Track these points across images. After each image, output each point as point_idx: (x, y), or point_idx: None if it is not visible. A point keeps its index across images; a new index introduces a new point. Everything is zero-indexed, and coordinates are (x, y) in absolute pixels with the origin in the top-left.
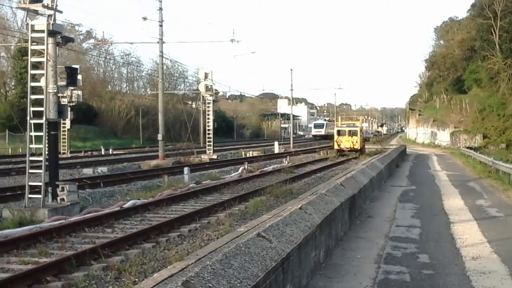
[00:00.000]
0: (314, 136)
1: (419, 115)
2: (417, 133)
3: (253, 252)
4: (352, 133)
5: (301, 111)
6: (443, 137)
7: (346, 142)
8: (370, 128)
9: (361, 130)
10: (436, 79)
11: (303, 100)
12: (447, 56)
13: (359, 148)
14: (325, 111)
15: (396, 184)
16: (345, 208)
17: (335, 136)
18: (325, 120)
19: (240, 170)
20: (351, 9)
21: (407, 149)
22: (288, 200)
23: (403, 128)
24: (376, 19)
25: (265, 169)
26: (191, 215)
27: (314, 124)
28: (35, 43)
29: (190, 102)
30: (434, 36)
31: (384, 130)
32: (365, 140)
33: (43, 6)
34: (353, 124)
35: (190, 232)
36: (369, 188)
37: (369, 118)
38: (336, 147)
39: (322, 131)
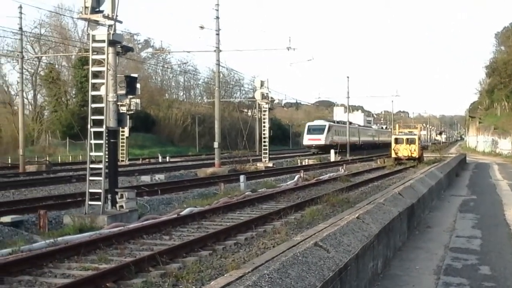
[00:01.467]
0: (309, 147)
1: (480, 122)
2: (477, 141)
3: (310, 261)
4: (410, 141)
5: (357, 119)
6: (505, 145)
7: (403, 151)
8: (429, 136)
9: (419, 138)
10: (497, 86)
11: (360, 108)
12: (508, 62)
13: (417, 156)
14: (382, 119)
15: (456, 194)
16: (404, 218)
17: (393, 144)
18: (330, 122)
19: (296, 179)
20: (409, 15)
21: (467, 158)
22: (345, 209)
23: (463, 136)
24: (435, 25)
25: (321, 177)
26: (247, 223)
27: (309, 127)
28: (96, 53)
29: (246, 110)
30: (495, 42)
31: (443, 138)
32: (423, 148)
33: (104, 16)
34: (411, 132)
35: (247, 240)
36: (428, 198)
37: (428, 126)
38: (393, 155)
39: (321, 139)
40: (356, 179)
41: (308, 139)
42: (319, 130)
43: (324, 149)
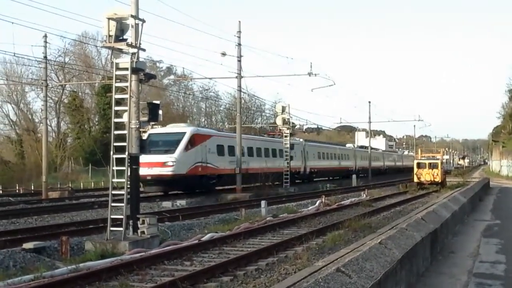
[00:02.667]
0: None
1: (503, 147)
2: (501, 165)
3: (332, 287)
4: (432, 166)
5: (379, 143)
6: None
7: (426, 175)
8: (451, 161)
9: (441, 163)
10: None
11: (382, 133)
12: None
13: (440, 181)
14: (404, 143)
15: (480, 218)
16: (427, 243)
17: (415, 169)
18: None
19: (317, 204)
20: (432, 39)
21: (490, 182)
22: (367, 234)
23: (486, 161)
24: (457, 49)
25: (342, 202)
26: (268, 248)
27: (150, 138)
28: (119, 80)
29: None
30: None
31: (465, 162)
32: (446, 172)
33: (127, 44)
34: (434, 156)
35: (268, 265)
36: (451, 223)
37: (450, 150)
38: (416, 180)
39: (170, 164)
40: (378, 204)
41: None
42: (168, 144)
43: (172, 185)
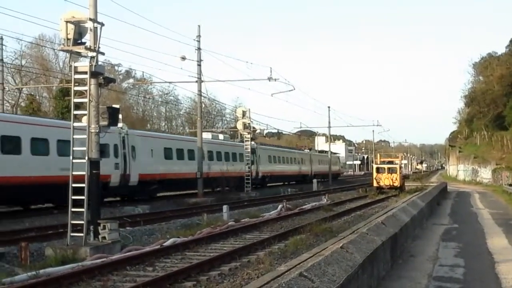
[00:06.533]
0: None
1: (460, 152)
2: (458, 170)
3: None
4: (391, 171)
5: (339, 148)
6: (485, 174)
7: (385, 180)
8: (410, 165)
9: (400, 167)
10: (476, 116)
11: (341, 137)
12: (486, 92)
13: (399, 185)
14: (363, 148)
15: (438, 222)
16: (387, 247)
17: (374, 174)
18: None
19: (279, 208)
20: (388, 44)
21: (448, 187)
22: (328, 239)
23: (443, 165)
24: (414, 55)
25: (304, 206)
26: (231, 253)
27: None
28: (78, 84)
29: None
30: (473, 72)
31: (423, 167)
32: (404, 177)
33: (86, 48)
34: (392, 161)
35: (231, 270)
36: (410, 227)
37: (408, 155)
38: (375, 184)
39: None
40: (339, 209)
41: None
42: None
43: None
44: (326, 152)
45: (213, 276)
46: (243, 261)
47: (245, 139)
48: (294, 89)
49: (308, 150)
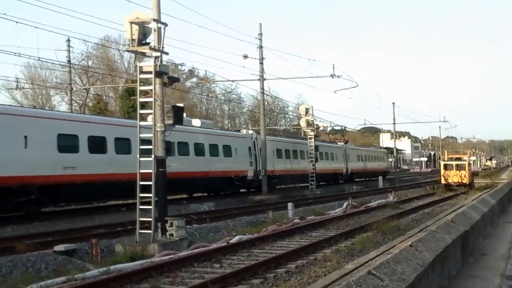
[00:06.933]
0: None
1: None
2: None
3: None
4: (459, 167)
5: (404, 145)
6: None
7: (453, 177)
8: (479, 162)
9: (469, 164)
10: None
11: (407, 134)
12: None
13: (468, 182)
14: (429, 145)
15: (510, 220)
16: (457, 245)
17: (442, 171)
18: None
19: (344, 206)
20: (456, 39)
21: None
22: (396, 237)
23: None
24: (482, 47)
25: (370, 204)
26: (297, 251)
27: None
28: (143, 84)
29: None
30: None
31: (493, 163)
32: (473, 174)
33: (150, 48)
34: (461, 157)
35: (297, 268)
36: (481, 225)
37: (477, 151)
38: (443, 181)
39: None
40: (406, 206)
41: None
42: None
43: None
44: (374, 146)
45: (280, 274)
46: (309, 258)
47: (308, 136)
48: (358, 85)
49: (343, 143)
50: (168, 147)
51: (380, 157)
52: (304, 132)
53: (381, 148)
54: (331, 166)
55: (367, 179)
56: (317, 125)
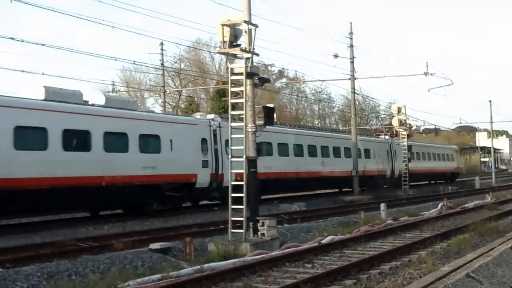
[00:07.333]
0: None
1: None
2: None
3: None
4: None
5: (502, 144)
6: None
7: None
8: None
9: None
10: None
11: (505, 133)
12: None
13: None
14: None
15: None
16: None
17: None
18: None
19: (439, 206)
20: None
21: None
22: (495, 239)
23: None
24: None
25: (466, 205)
26: (390, 252)
27: None
28: (233, 85)
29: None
30: None
31: None
32: None
33: (241, 50)
34: None
35: (391, 270)
36: None
37: None
38: None
39: None
40: (505, 207)
41: None
42: None
43: None
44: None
45: (373, 275)
46: (403, 260)
47: (401, 136)
48: (453, 83)
49: (387, 138)
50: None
51: (447, 155)
52: (397, 131)
53: (449, 145)
54: (365, 166)
55: (430, 182)
56: (409, 124)
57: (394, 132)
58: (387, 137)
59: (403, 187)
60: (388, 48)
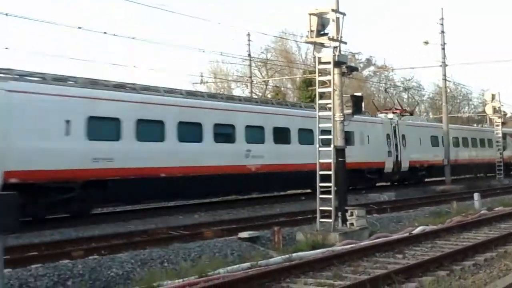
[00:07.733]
0: None
1: None
2: None
3: None
4: None
5: None
6: None
7: None
8: None
9: None
10: None
11: None
12: None
13: None
14: None
15: None
16: None
17: None
18: None
19: None
20: None
21: None
22: None
23: None
24: None
25: None
26: (485, 243)
27: None
28: (321, 74)
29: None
30: None
31: None
32: None
33: (329, 38)
34: None
35: (486, 261)
36: None
37: None
38: None
39: None
40: None
41: None
42: None
43: None
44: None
45: (468, 266)
46: (499, 251)
47: (495, 124)
48: None
49: (391, 116)
50: None
51: (489, 141)
52: (490, 119)
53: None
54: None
55: (468, 176)
56: (504, 111)
57: (409, 109)
58: (390, 115)
59: (497, 176)
60: (481, 34)
